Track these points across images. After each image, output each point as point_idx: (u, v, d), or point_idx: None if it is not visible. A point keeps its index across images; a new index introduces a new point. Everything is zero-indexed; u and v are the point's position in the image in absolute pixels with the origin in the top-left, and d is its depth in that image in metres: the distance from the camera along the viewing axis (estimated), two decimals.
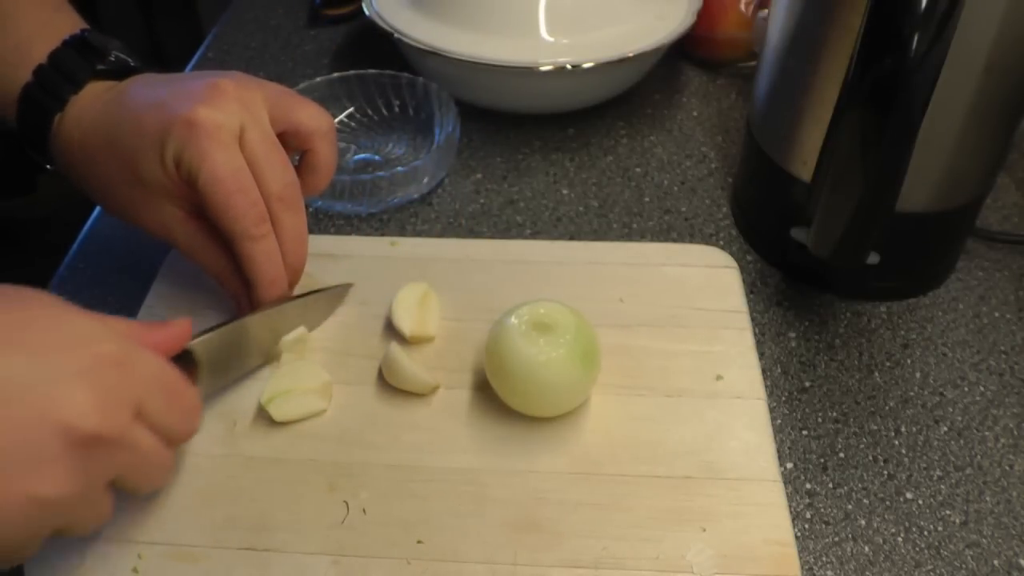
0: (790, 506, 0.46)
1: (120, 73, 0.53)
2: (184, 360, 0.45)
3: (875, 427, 0.52)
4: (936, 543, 0.47)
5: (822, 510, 0.48)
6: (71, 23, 0.54)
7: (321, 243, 0.60)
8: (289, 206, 0.50)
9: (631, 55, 0.70)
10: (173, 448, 0.41)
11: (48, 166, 0.54)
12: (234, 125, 0.48)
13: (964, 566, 0.46)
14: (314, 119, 0.52)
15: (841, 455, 0.51)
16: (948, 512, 0.48)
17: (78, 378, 0.36)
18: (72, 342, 0.37)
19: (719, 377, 0.51)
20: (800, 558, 0.43)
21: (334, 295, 0.55)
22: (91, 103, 0.51)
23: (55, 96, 0.51)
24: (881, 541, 0.47)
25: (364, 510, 0.45)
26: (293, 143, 0.52)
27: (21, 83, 0.51)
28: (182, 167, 0.47)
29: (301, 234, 0.51)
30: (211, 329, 0.47)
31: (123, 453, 0.38)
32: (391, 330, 0.53)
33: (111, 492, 0.39)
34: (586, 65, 0.68)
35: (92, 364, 0.37)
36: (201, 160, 0.47)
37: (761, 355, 0.55)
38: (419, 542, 0.44)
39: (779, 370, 0.56)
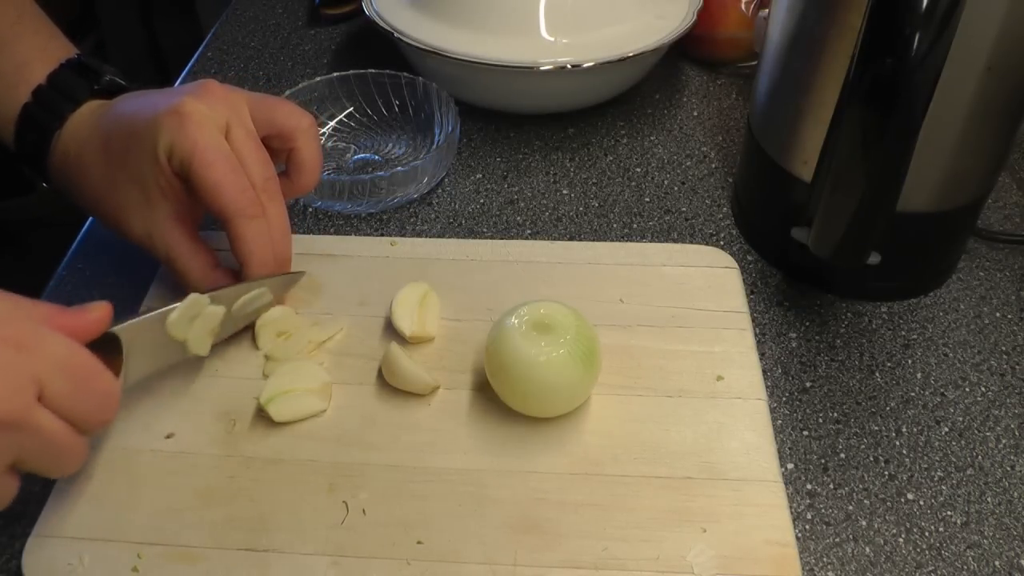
0: (791, 507, 0.46)
1: (115, 92, 0.55)
2: (108, 345, 0.44)
3: (876, 428, 0.52)
4: (937, 544, 0.47)
5: (823, 511, 0.48)
6: (66, 49, 0.57)
7: (321, 243, 0.60)
8: (272, 197, 0.51)
9: (631, 55, 0.70)
10: (85, 434, 0.41)
11: (44, 184, 0.56)
12: (220, 118, 0.50)
13: (965, 567, 0.46)
14: (294, 117, 0.54)
15: (842, 456, 0.51)
16: (949, 513, 0.48)
17: None
18: None
19: (720, 377, 0.51)
20: (801, 559, 0.43)
21: (285, 281, 0.54)
22: (87, 118, 0.53)
23: (54, 114, 0.54)
24: (882, 542, 0.47)
25: (364, 511, 0.45)
26: (276, 144, 0.54)
27: (18, 104, 0.54)
28: (174, 157, 0.49)
29: (285, 226, 0.52)
30: (140, 314, 0.46)
31: (22, 436, 0.37)
32: (391, 330, 0.53)
33: (14, 474, 0.39)
34: (586, 65, 0.68)
35: None
36: (192, 146, 0.48)
37: (762, 355, 0.55)
38: (419, 542, 0.44)
39: (780, 370, 0.55)
